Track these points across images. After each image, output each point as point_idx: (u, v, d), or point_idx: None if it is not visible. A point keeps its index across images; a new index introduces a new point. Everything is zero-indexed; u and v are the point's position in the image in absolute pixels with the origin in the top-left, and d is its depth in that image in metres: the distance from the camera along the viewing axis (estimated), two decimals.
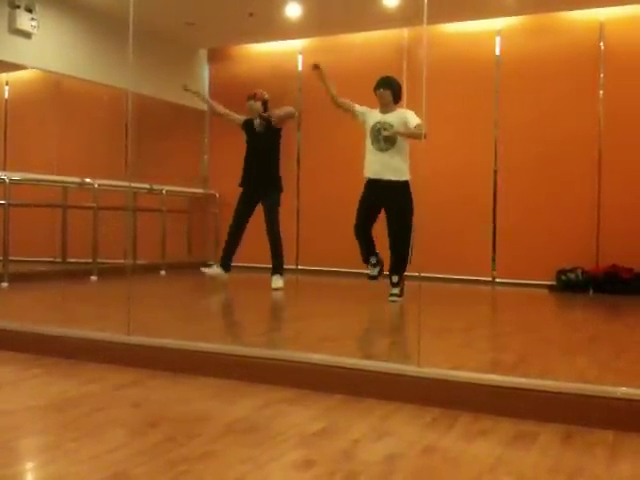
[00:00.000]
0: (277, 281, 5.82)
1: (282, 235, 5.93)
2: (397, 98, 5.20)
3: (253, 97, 5.97)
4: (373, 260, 5.23)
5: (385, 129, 5.06)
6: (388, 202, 5.08)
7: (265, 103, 5.99)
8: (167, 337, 3.21)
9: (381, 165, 5.09)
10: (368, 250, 5.20)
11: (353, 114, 5.30)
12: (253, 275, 6.23)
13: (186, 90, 6.26)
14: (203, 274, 6.04)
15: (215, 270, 6.02)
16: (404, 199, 5.03)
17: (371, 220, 5.16)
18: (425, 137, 4.66)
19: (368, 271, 5.26)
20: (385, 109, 5.18)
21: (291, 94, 7.76)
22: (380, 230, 5.12)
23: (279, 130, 5.96)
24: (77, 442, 2.07)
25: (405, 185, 5.05)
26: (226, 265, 5.99)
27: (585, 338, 3.85)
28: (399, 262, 5.05)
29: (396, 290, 5.02)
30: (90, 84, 7.46)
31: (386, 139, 5.07)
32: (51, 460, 1.93)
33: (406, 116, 5.07)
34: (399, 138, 5.06)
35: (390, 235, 5.06)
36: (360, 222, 5.15)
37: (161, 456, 1.95)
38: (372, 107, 5.25)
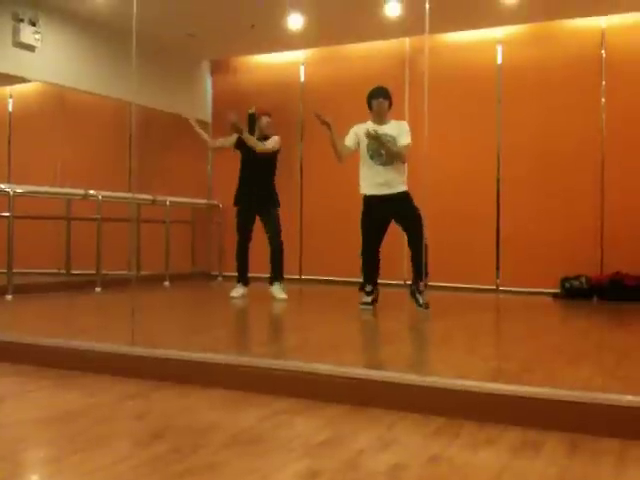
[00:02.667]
0: (281, 292, 5.82)
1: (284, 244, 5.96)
2: (390, 107, 5.23)
3: (269, 115, 5.98)
4: (369, 288, 5.15)
5: (387, 141, 5.03)
6: (399, 213, 5.06)
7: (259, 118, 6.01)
8: (171, 348, 3.21)
9: (384, 179, 5.07)
10: (371, 276, 5.16)
11: (355, 149, 5.23)
12: (254, 285, 6.22)
13: (189, 122, 6.23)
14: (232, 299, 5.93)
15: (239, 290, 6.00)
16: (412, 206, 5.03)
17: (381, 240, 5.14)
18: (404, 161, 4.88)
19: (363, 299, 5.14)
20: (381, 119, 5.16)
21: (293, 105, 7.79)
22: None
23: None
24: (82, 454, 2.06)
25: (408, 194, 5.07)
26: (245, 280, 6.03)
27: (590, 346, 3.83)
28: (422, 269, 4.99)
29: (424, 299, 5.00)
30: (93, 96, 7.49)
31: (388, 153, 5.04)
32: (56, 472, 1.93)
33: (401, 129, 5.09)
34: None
35: (410, 244, 5.04)
36: (370, 244, 5.10)
37: (166, 467, 1.95)
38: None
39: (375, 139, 4.98)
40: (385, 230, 5.15)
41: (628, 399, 2.32)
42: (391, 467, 1.97)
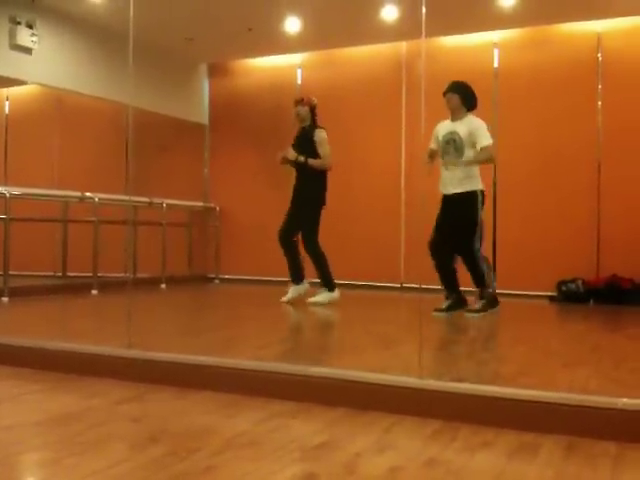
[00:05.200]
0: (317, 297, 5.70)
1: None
2: (467, 104, 5.01)
3: (300, 102, 5.78)
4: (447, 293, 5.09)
5: (454, 140, 4.93)
6: (448, 214, 5.00)
7: (312, 108, 5.78)
8: (168, 351, 3.21)
9: (451, 177, 4.98)
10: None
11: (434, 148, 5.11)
12: (252, 288, 6.22)
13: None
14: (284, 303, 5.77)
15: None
16: (464, 208, 4.93)
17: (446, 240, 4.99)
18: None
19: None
20: (453, 115, 5.04)
21: (290, 108, 7.79)
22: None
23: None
24: (78, 457, 2.06)
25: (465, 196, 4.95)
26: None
27: (586, 349, 3.84)
28: (474, 278, 5.01)
29: (478, 305, 5.02)
30: (90, 99, 7.50)
31: (456, 151, 4.92)
32: (52, 475, 1.93)
33: (473, 126, 4.91)
34: (466, 148, 4.91)
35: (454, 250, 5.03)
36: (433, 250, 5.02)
37: (162, 471, 1.94)
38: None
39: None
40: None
41: (624, 402, 2.32)
42: (388, 470, 1.97)
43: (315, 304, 5.60)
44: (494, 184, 6.93)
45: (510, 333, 4.67)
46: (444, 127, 5.06)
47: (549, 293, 6.52)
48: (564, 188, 6.64)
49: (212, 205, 8.18)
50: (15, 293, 5.91)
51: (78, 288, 6.83)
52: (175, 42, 7.39)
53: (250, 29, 6.90)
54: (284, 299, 5.75)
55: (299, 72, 7.86)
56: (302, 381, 2.80)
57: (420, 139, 4.20)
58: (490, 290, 5.02)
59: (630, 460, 2.10)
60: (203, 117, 8.33)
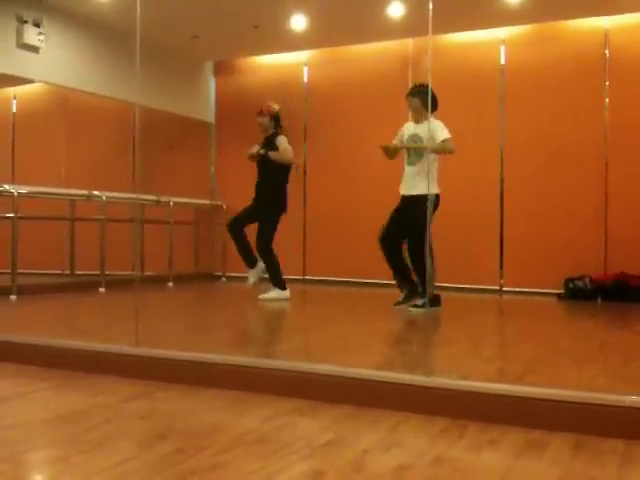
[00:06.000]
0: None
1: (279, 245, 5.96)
2: (429, 106, 5.02)
3: (260, 113, 5.90)
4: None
5: (414, 142, 5.08)
6: (403, 216, 5.11)
7: (274, 117, 5.88)
8: (175, 349, 3.21)
9: (410, 178, 5.12)
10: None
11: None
12: (258, 286, 6.21)
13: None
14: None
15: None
16: (417, 211, 5.01)
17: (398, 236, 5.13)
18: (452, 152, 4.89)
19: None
20: (415, 119, 5.20)
21: (297, 105, 7.80)
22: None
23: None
24: (86, 455, 2.07)
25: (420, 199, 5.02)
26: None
27: (594, 346, 3.83)
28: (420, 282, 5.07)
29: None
30: (97, 97, 7.51)
31: (415, 152, 5.09)
32: (59, 473, 1.93)
33: (432, 127, 5.02)
34: (424, 152, 5.03)
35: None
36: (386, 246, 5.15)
37: (170, 468, 1.95)
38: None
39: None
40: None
41: (632, 399, 2.31)
42: (395, 468, 1.97)
43: (265, 300, 5.73)
44: (501, 181, 6.92)
45: (517, 330, 4.66)
46: (409, 129, 5.20)
47: (556, 290, 6.49)
48: (571, 185, 6.62)
49: (219, 203, 8.19)
50: (23, 291, 5.94)
51: (86, 286, 6.85)
52: (181, 40, 7.39)
53: (256, 26, 6.90)
54: (249, 283, 5.92)
55: (305, 70, 7.86)
56: (309, 378, 2.80)
57: (426, 135, 4.19)
58: (431, 290, 5.07)
59: (638, 457, 2.10)
60: (209, 115, 8.33)
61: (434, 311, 5.05)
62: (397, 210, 5.17)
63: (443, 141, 4.99)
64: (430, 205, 4.92)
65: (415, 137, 5.10)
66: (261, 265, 5.89)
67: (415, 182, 5.06)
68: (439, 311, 5.11)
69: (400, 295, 5.20)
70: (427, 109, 5.04)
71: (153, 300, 5.90)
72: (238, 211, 5.98)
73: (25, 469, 2.02)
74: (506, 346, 4.02)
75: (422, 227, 4.77)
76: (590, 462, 2.07)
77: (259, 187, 5.90)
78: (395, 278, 5.22)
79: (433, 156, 5.07)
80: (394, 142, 5.24)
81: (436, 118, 5.12)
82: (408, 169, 5.14)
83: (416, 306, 5.03)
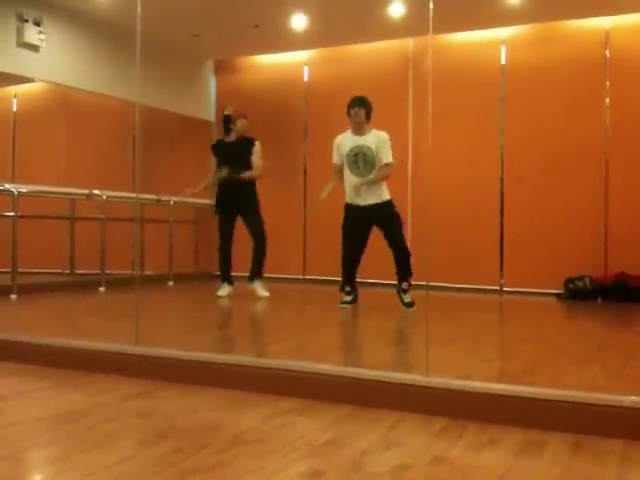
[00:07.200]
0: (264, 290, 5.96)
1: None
2: (369, 117, 5.16)
3: (244, 117, 6.02)
4: (348, 288, 5.29)
5: (364, 153, 5.07)
6: (379, 221, 5.15)
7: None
8: (175, 348, 3.22)
9: (365, 190, 5.09)
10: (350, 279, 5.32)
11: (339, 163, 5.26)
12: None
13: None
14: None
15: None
16: (392, 214, 5.14)
17: (362, 248, 5.24)
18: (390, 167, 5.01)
19: (343, 298, 5.28)
20: (358, 130, 5.15)
21: (297, 105, 7.80)
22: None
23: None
24: (86, 453, 2.07)
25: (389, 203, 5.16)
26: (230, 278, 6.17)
27: (594, 347, 3.83)
28: (404, 270, 5.10)
29: (408, 298, 5.09)
30: (97, 96, 7.51)
31: (366, 164, 5.09)
32: (60, 472, 1.93)
33: (380, 140, 5.07)
34: (377, 161, 5.07)
35: (391, 246, 5.12)
36: (349, 252, 5.24)
37: (170, 467, 1.95)
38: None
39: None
40: (365, 240, 5.25)
41: (632, 400, 2.31)
42: (394, 468, 1.97)
43: (263, 296, 5.89)
44: (501, 181, 6.92)
45: (517, 330, 4.67)
46: (349, 141, 5.14)
47: (556, 291, 6.50)
48: (571, 185, 6.62)
49: None
50: (23, 290, 5.94)
51: (86, 285, 6.86)
52: (181, 39, 7.39)
53: (257, 26, 6.90)
54: (220, 294, 6.07)
55: (306, 69, 7.85)
56: (309, 378, 2.80)
57: (427, 135, 4.18)
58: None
59: (637, 458, 2.10)
60: (209, 114, 8.33)
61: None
62: (356, 226, 5.18)
63: (387, 164, 5.06)
64: (392, 208, 5.12)
65: (363, 148, 5.06)
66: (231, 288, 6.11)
67: (373, 190, 5.09)
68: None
69: (343, 296, 5.30)
70: (369, 121, 5.13)
71: (153, 299, 5.90)
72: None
73: (25, 468, 2.03)
74: (506, 346, 4.03)
75: (399, 222, 5.11)
76: (589, 462, 2.07)
77: (238, 194, 5.96)
78: (350, 285, 5.30)
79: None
80: (333, 158, 5.26)
81: (379, 129, 5.18)
82: (359, 180, 5.09)
83: (410, 304, 5.07)
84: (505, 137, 6.92)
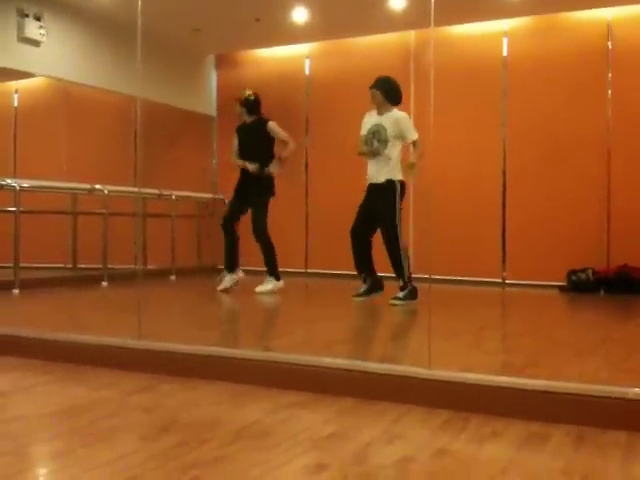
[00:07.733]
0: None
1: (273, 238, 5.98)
2: (391, 99, 5.15)
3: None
4: (363, 276, 5.22)
5: (379, 132, 5.10)
6: (373, 205, 5.13)
7: (245, 103, 6.00)
8: (178, 342, 3.22)
9: (375, 167, 5.14)
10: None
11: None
12: (260, 279, 6.21)
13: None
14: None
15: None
16: (384, 195, 5.07)
17: (369, 231, 5.18)
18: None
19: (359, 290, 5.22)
20: (378, 110, 5.19)
21: (298, 98, 7.78)
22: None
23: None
24: (89, 448, 2.07)
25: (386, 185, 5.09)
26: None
27: (596, 339, 3.83)
28: (397, 273, 5.05)
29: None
30: (99, 91, 7.50)
31: (379, 142, 5.10)
32: (63, 466, 1.94)
33: (396, 119, 5.08)
34: (390, 140, 5.08)
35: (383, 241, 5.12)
36: (352, 231, 5.21)
37: (173, 461, 1.96)
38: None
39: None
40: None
41: (635, 392, 2.31)
42: (398, 460, 1.98)
43: (262, 293, 5.77)
44: (503, 173, 6.91)
45: (519, 323, 4.67)
46: (371, 119, 5.20)
47: (559, 283, 6.49)
48: (574, 177, 6.61)
49: (221, 196, 8.18)
50: (25, 285, 5.95)
51: (88, 280, 6.86)
52: (182, 33, 7.37)
53: (258, 19, 6.89)
54: (222, 287, 5.88)
55: (307, 62, 7.84)
56: (312, 371, 2.81)
57: (429, 127, 4.17)
58: (414, 285, 5.03)
59: None
60: (211, 108, 8.32)
61: (411, 304, 4.99)
62: (365, 203, 5.20)
63: (414, 143, 5.07)
64: (396, 191, 5.03)
65: (379, 127, 5.10)
66: (236, 276, 5.96)
67: (381, 168, 5.10)
68: (415, 304, 5.03)
69: (359, 288, 5.23)
70: (389, 102, 5.13)
71: (155, 294, 5.90)
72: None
73: (29, 462, 2.03)
74: (508, 339, 4.02)
75: (391, 209, 4.98)
76: (593, 454, 2.07)
77: (249, 176, 5.87)
78: (360, 271, 5.21)
79: (399, 145, 5.12)
80: (361, 133, 5.23)
81: (401, 110, 5.18)
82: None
83: (397, 298, 4.98)
84: (507, 129, 6.90)
